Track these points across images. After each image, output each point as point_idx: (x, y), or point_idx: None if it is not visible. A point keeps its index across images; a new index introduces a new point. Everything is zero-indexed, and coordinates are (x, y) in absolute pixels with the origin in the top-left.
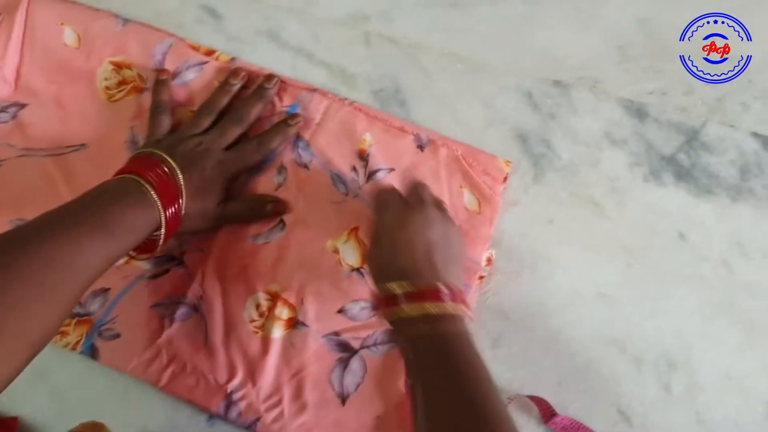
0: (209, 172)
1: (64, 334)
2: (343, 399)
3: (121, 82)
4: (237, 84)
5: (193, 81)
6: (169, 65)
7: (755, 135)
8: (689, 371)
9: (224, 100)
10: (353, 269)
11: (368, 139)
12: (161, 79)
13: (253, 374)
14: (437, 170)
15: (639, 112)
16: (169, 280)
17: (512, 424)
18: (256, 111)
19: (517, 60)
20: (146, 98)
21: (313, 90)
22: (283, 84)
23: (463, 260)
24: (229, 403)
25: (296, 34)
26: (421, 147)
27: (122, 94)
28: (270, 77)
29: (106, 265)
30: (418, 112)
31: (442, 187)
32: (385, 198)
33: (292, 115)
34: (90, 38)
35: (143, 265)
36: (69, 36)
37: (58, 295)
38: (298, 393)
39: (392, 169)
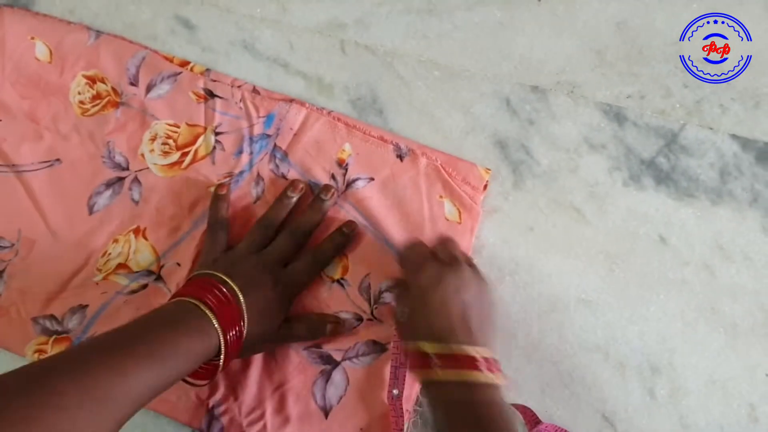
0: (271, 293)
1: (41, 352)
2: (326, 411)
3: (96, 96)
4: (294, 197)
5: (168, 93)
6: (143, 78)
7: (734, 137)
8: (673, 376)
9: (282, 214)
10: (334, 281)
11: (347, 149)
12: (220, 194)
13: (234, 389)
14: (417, 180)
15: (617, 116)
16: (147, 296)
17: None
18: (313, 225)
19: (494, 66)
20: (122, 113)
21: (290, 100)
22: (259, 95)
23: (495, 321)
24: (212, 418)
25: (271, 44)
26: (400, 157)
27: (97, 109)
28: (327, 188)
29: (155, 394)
30: (396, 121)
31: (422, 197)
32: (416, 253)
33: (347, 223)
34: (62, 52)
35: (121, 281)
36: (40, 50)
37: (95, 427)
38: (280, 406)
39: (372, 179)
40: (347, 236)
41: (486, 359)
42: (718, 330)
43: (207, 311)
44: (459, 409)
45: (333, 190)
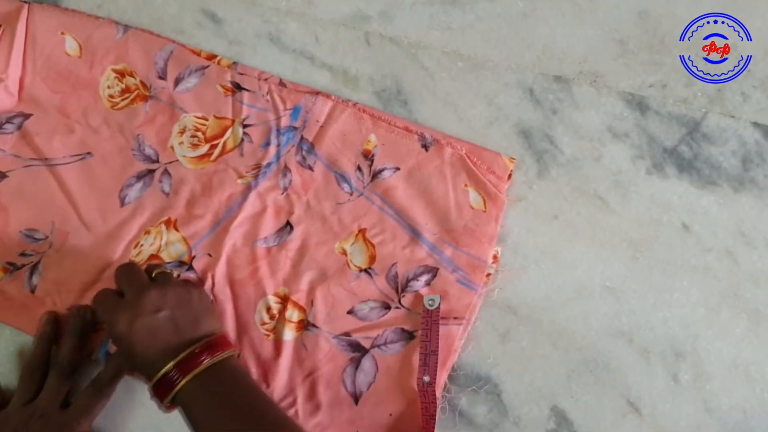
0: None
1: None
2: (356, 398)
3: (125, 90)
4: (49, 329)
5: (196, 86)
6: (171, 71)
7: (756, 125)
8: (696, 361)
9: (45, 352)
10: (362, 270)
11: (373, 140)
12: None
13: (266, 376)
14: (442, 169)
15: (640, 105)
16: None
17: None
18: (74, 349)
19: (517, 56)
20: (151, 106)
21: (316, 93)
22: (285, 88)
23: (207, 304)
24: None
25: (297, 37)
26: (425, 147)
27: (126, 102)
28: (72, 309)
29: None
30: (420, 112)
31: (447, 186)
32: (100, 305)
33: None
34: (91, 47)
35: None
36: (70, 45)
37: None
38: (311, 394)
39: (397, 169)
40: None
41: (208, 344)
42: (740, 315)
43: None
44: (203, 398)
45: (83, 308)
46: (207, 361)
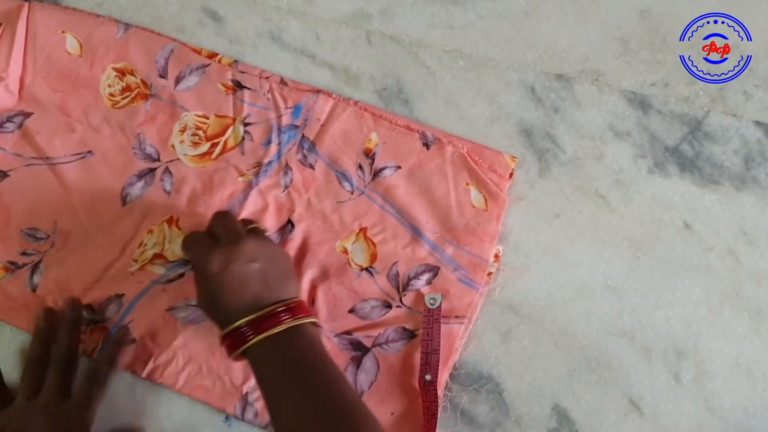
0: None
1: (80, 342)
2: None
3: (125, 89)
4: (45, 325)
5: (197, 84)
6: (172, 70)
7: (758, 123)
8: (698, 360)
9: (44, 347)
10: (363, 269)
11: (374, 139)
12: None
13: None
14: (443, 168)
15: (642, 103)
16: (183, 284)
17: (361, 403)
18: (70, 342)
19: (519, 55)
20: (152, 105)
21: (317, 91)
22: (286, 86)
23: (293, 269)
24: (245, 404)
25: (298, 35)
26: (427, 145)
27: (127, 101)
28: (65, 302)
29: None
30: (422, 110)
31: (448, 184)
32: (197, 243)
33: (120, 330)
34: (92, 45)
35: (157, 271)
36: (71, 44)
37: None
38: None
39: (399, 167)
40: (117, 343)
41: (290, 307)
42: (742, 315)
43: None
44: (274, 359)
45: (78, 303)
46: (289, 322)
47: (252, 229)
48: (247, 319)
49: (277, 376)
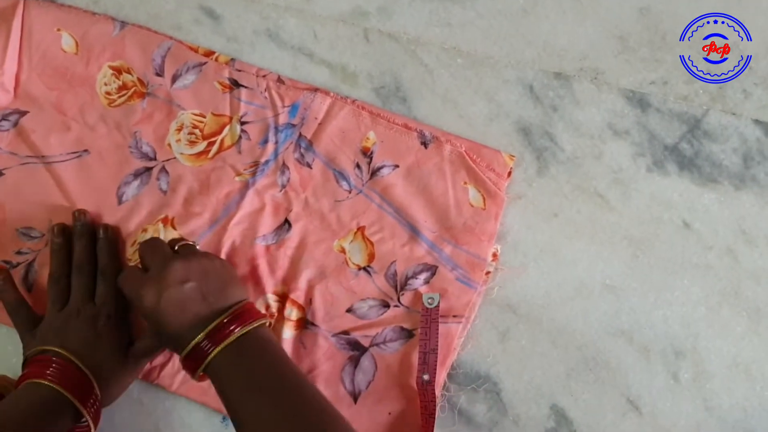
0: (97, 335)
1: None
2: (355, 397)
3: (122, 87)
4: (60, 239)
5: (193, 83)
6: (168, 68)
7: (757, 122)
8: (696, 359)
9: (63, 261)
10: (360, 268)
11: (372, 137)
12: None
13: None
14: (441, 167)
15: (641, 102)
16: None
17: (325, 400)
18: (86, 250)
19: (517, 53)
20: (149, 103)
21: (315, 90)
22: (284, 84)
23: (232, 273)
24: None
25: (295, 33)
26: (425, 144)
27: (123, 99)
28: (76, 214)
29: None
30: (419, 109)
31: (446, 183)
32: (126, 282)
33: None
34: (88, 43)
35: None
36: (66, 42)
37: None
38: None
39: (396, 166)
40: (107, 240)
41: (235, 314)
42: (741, 314)
43: (63, 391)
44: (232, 370)
45: (82, 213)
46: (238, 331)
47: (181, 247)
48: (199, 337)
49: (239, 383)
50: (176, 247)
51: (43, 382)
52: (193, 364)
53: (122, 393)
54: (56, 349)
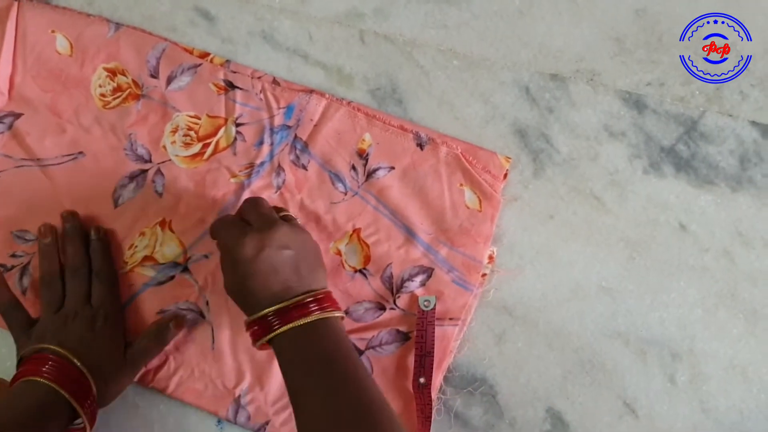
0: (96, 337)
1: None
2: None
3: (116, 89)
4: (49, 239)
5: (188, 84)
6: (163, 70)
7: (754, 124)
8: (693, 362)
9: (55, 262)
10: (356, 270)
11: (368, 139)
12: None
13: (260, 378)
14: (437, 169)
15: (637, 103)
16: (174, 287)
17: (383, 399)
18: (78, 251)
19: (513, 55)
20: (143, 105)
21: (310, 91)
22: (279, 86)
23: (322, 259)
24: (238, 407)
25: (290, 35)
26: (420, 146)
27: (118, 101)
28: (65, 215)
29: None
30: (415, 111)
31: (442, 185)
32: (225, 228)
33: (95, 228)
34: (82, 45)
35: (148, 273)
36: (61, 43)
37: None
38: None
39: (392, 168)
40: (101, 241)
41: (318, 298)
42: (737, 316)
43: (60, 389)
44: (301, 351)
45: (102, 230)
46: (317, 314)
47: (285, 217)
48: (275, 307)
49: (301, 367)
50: (280, 215)
51: (39, 380)
52: (259, 331)
53: (119, 395)
54: (53, 347)
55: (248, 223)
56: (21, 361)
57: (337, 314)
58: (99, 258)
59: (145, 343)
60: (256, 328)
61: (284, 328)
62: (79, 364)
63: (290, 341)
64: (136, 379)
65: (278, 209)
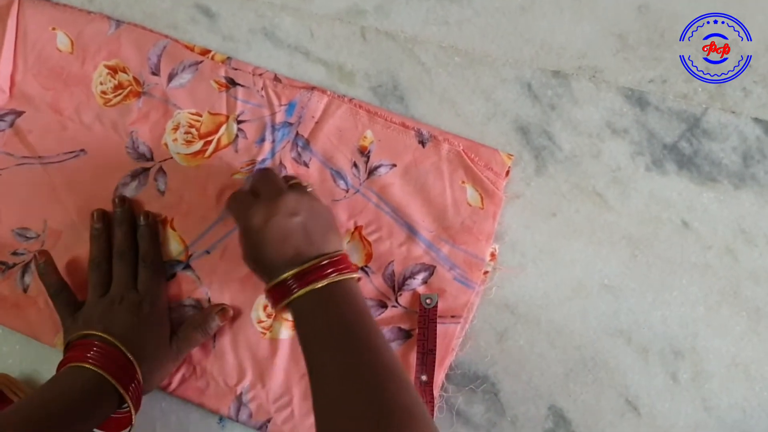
0: (143, 322)
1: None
2: None
3: (117, 86)
4: (101, 225)
5: (189, 82)
6: (164, 67)
7: (757, 120)
8: (695, 360)
9: (104, 247)
10: (358, 268)
11: (369, 136)
12: (41, 263)
13: (262, 375)
14: (439, 166)
15: (639, 100)
16: (176, 284)
17: (398, 364)
18: (127, 236)
19: (515, 51)
20: (145, 102)
21: (312, 88)
22: (280, 83)
23: (335, 222)
24: (240, 404)
25: (292, 32)
26: (422, 143)
27: (119, 99)
28: (118, 200)
29: None
30: (417, 108)
31: (444, 182)
32: (236, 201)
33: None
34: (83, 42)
35: None
36: (62, 41)
37: None
38: (307, 393)
39: (394, 165)
40: (149, 227)
41: (333, 261)
42: (740, 314)
43: (106, 375)
44: (318, 316)
45: (150, 215)
46: (334, 276)
47: (293, 185)
48: (291, 272)
49: (317, 330)
50: (289, 183)
51: (84, 365)
52: (277, 296)
53: (163, 380)
54: (100, 333)
55: (258, 195)
56: (67, 347)
57: (352, 276)
58: (146, 243)
59: (190, 331)
60: (275, 293)
61: (301, 291)
62: (124, 349)
63: (306, 304)
64: (179, 365)
65: (289, 178)
